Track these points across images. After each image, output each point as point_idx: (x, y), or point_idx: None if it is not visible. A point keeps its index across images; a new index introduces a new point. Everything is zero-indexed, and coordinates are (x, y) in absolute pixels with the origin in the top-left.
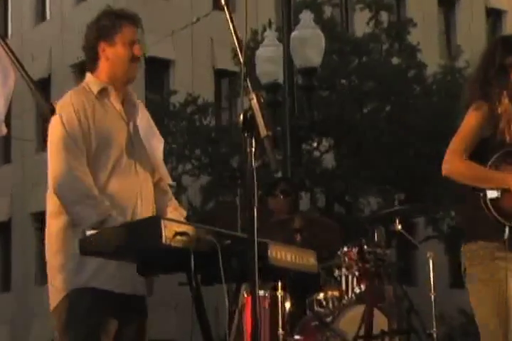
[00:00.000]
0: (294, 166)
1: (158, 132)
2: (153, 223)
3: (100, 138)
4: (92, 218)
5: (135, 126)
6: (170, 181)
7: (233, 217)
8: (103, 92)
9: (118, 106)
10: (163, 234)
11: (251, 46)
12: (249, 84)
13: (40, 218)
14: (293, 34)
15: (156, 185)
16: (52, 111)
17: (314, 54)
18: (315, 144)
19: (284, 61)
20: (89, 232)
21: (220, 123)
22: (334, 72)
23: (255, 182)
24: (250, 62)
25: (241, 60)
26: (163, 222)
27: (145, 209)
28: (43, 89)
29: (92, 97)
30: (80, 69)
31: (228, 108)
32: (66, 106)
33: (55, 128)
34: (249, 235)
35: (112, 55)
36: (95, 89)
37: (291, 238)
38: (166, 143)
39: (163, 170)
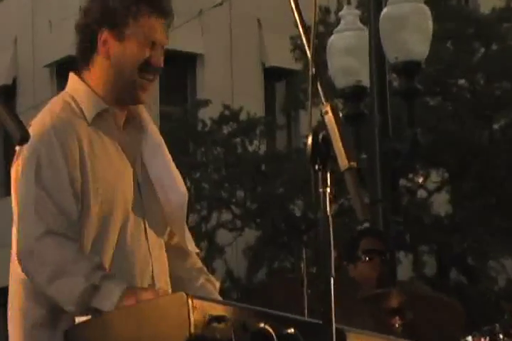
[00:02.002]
0: (389, 213)
1: (178, 173)
2: (176, 303)
3: (101, 194)
4: (78, 286)
5: (143, 166)
6: (194, 248)
7: (296, 292)
8: (100, 117)
9: (121, 137)
10: (192, 319)
11: (320, 31)
12: (320, 90)
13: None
14: (384, 12)
15: (174, 247)
16: (25, 138)
17: (417, 41)
18: (420, 179)
19: (370, 53)
20: (79, 319)
21: (273, 150)
22: (448, 69)
23: (331, 239)
24: (320, 56)
25: (308, 52)
26: (190, 302)
27: (161, 286)
28: (6, 100)
29: (84, 125)
30: (62, 72)
31: (286, 126)
32: (44, 141)
33: (22, 175)
34: (323, 320)
35: (116, 52)
36: (89, 111)
37: (387, 323)
38: (192, 180)
39: (185, 233)
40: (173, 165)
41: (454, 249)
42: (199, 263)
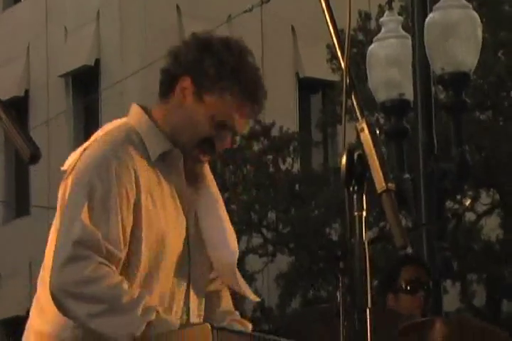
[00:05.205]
0: (434, 238)
1: (232, 231)
2: (200, 335)
3: (150, 242)
4: (133, 323)
5: (196, 219)
6: (255, 298)
7: (332, 323)
8: (164, 157)
9: (180, 184)
10: None
11: (359, 39)
12: (355, 105)
13: (11, 325)
14: (429, 18)
15: (209, 293)
16: (36, 157)
17: (465, 51)
18: (467, 202)
19: (414, 63)
20: None
21: (308, 168)
22: (500, 81)
23: (367, 266)
24: (358, 67)
25: (342, 63)
26: (216, 334)
27: None
28: (16, 115)
29: (145, 165)
30: (78, 83)
31: (322, 143)
32: (101, 174)
33: (70, 201)
34: None
35: (187, 109)
36: (154, 150)
37: None
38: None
39: (241, 284)
40: (227, 221)
41: (506, 278)
42: (233, 309)
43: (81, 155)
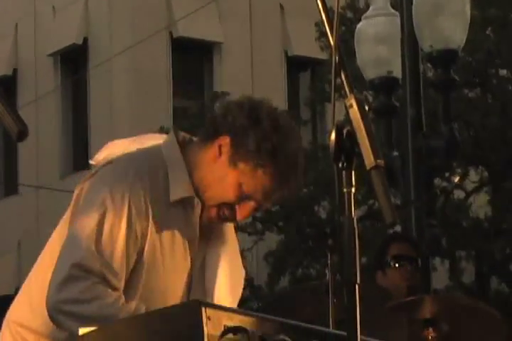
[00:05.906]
0: (423, 215)
1: (239, 278)
2: (188, 313)
3: (149, 287)
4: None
5: (203, 267)
6: None
7: (321, 301)
8: (182, 203)
9: (192, 232)
10: (206, 330)
11: (348, 17)
12: (344, 82)
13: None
14: None
15: None
16: (24, 134)
17: (454, 28)
18: (456, 179)
19: (402, 41)
20: (82, 330)
21: None
22: (489, 58)
23: (356, 243)
24: (347, 45)
25: (331, 41)
26: (204, 311)
27: None
28: (5, 93)
29: (161, 205)
30: (66, 61)
31: (311, 120)
32: (117, 199)
33: (84, 210)
34: (348, 332)
35: (219, 167)
36: (175, 193)
37: (419, 334)
38: None
39: None
40: (235, 268)
41: (495, 255)
42: None
43: (107, 163)
